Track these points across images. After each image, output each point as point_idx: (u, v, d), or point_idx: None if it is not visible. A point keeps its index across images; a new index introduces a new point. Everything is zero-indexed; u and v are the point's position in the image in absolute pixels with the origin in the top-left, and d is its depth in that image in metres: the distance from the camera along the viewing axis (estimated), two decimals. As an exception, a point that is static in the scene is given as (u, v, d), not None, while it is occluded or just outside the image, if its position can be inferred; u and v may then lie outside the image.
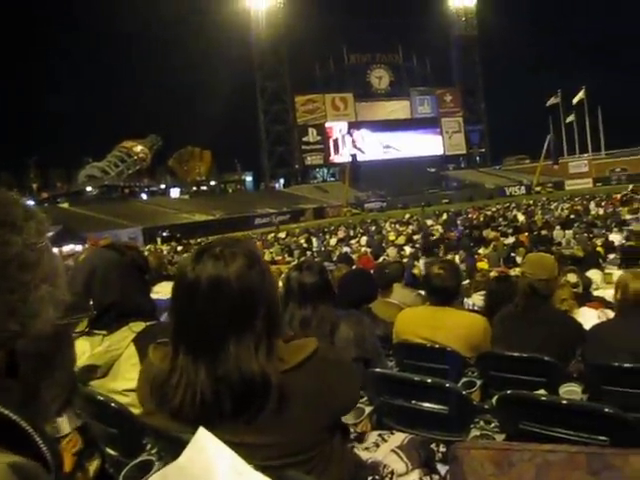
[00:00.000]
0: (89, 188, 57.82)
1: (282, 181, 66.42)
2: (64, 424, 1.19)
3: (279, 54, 65.35)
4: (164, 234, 36.93)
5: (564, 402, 2.15)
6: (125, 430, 1.81)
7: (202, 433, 1.13)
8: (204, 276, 1.27)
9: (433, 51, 71.81)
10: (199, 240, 30.32)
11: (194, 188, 63.26)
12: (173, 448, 1.19)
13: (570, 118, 61.67)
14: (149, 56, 78.52)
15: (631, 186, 38.00)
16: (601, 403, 2.07)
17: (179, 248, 24.99)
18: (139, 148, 62.85)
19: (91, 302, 1.83)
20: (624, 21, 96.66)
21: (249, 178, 70.39)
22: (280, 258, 16.80)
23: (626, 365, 2.67)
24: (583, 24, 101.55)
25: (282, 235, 27.91)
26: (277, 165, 67.03)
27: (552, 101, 61.35)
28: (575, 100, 60.95)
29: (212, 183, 66.18)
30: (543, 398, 2.22)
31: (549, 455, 1.33)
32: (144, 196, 58.94)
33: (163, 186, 62.93)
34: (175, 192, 60.78)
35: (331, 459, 1.32)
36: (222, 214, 47.73)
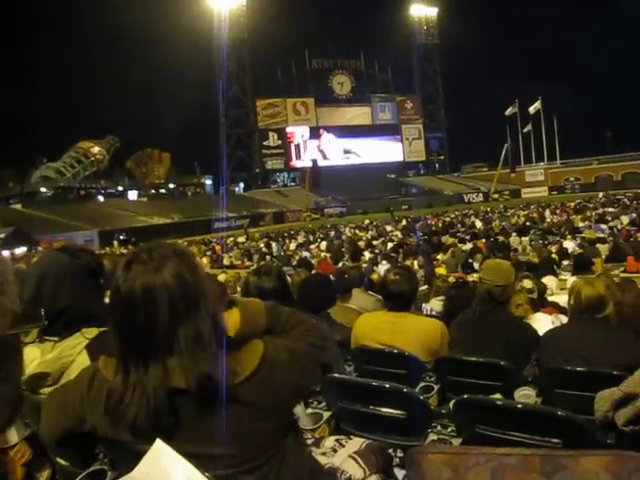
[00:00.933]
0: (43, 189, 56.42)
1: (242, 185, 66.07)
2: (12, 434, 1.15)
3: (241, 57, 65.11)
4: (121, 237, 36.29)
5: (519, 406, 2.18)
6: (76, 439, 1.75)
7: (159, 445, 1.10)
8: (138, 285, 1.22)
9: (394, 58, 72.84)
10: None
11: (152, 191, 62.34)
12: (128, 458, 1.16)
13: (528, 127, 63.16)
14: (109, 56, 77.40)
15: (601, 194, 39.26)
16: (554, 407, 2.11)
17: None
18: (96, 149, 61.70)
19: (42, 312, 1.76)
20: (580, 34, 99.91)
21: (209, 181, 69.81)
22: (239, 262, 16.69)
23: (578, 369, 2.73)
24: (541, 36, 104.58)
25: (242, 239, 27.74)
26: (237, 169, 66.66)
27: (511, 110, 62.79)
28: (531, 110, 62.46)
29: (171, 186, 65.35)
30: (499, 402, 2.25)
31: (504, 458, 1.35)
32: (101, 198, 57.77)
33: (121, 188, 61.83)
34: (133, 194, 59.74)
35: (285, 458, 1.31)
36: (181, 217, 47.22)
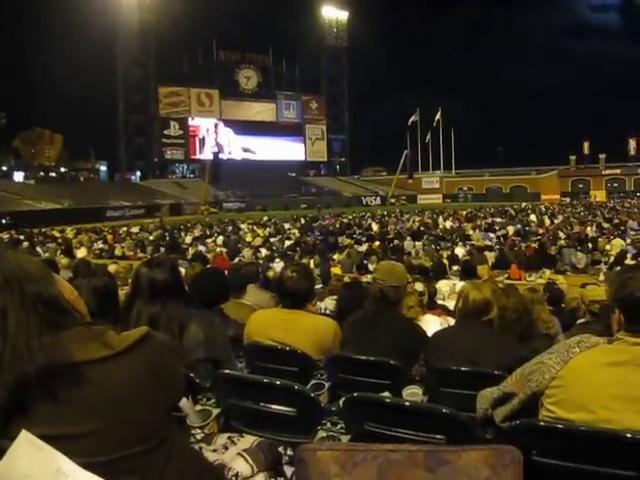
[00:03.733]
0: None
1: (139, 174, 63.85)
2: None
3: (146, 42, 62.63)
4: (4, 221, 34.09)
5: (406, 404, 2.24)
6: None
7: (25, 436, 1.02)
8: None
9: (303, 57, 73.36)
10: (43, 230, 28.27)
11: (41, 173, 58.81)
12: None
13: (428, 137, 65.90)
14: (-2, 25, 71.72)
15: (524, 204, 41.54)
16: (439, 404, 2.18)
17: (21, 237, 23.05)
18: (-22, 124, 57.35)
19: None
20: (479, 51, 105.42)
21: (103, 168, 66.92)
22: (132, 253, 16.13)
23: (463, 369, 2.86)
24: (443, 49, 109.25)
25: (135, 230, 26.81)
26: (134, 156, 64.32)
27: (413, 119, 65.22)
28: (435, 120, 65.30)
29: (62, 170, 61.90)
30: (387, 400, 2.30)
31: (391, 454, 1.38)
32: (-18, 178, 53.93)
33: (5, 168, 57.92)
34: (19, 176, 56.07)
35: (174, 449, 1.26)
36: (71, 203, 45.02)
